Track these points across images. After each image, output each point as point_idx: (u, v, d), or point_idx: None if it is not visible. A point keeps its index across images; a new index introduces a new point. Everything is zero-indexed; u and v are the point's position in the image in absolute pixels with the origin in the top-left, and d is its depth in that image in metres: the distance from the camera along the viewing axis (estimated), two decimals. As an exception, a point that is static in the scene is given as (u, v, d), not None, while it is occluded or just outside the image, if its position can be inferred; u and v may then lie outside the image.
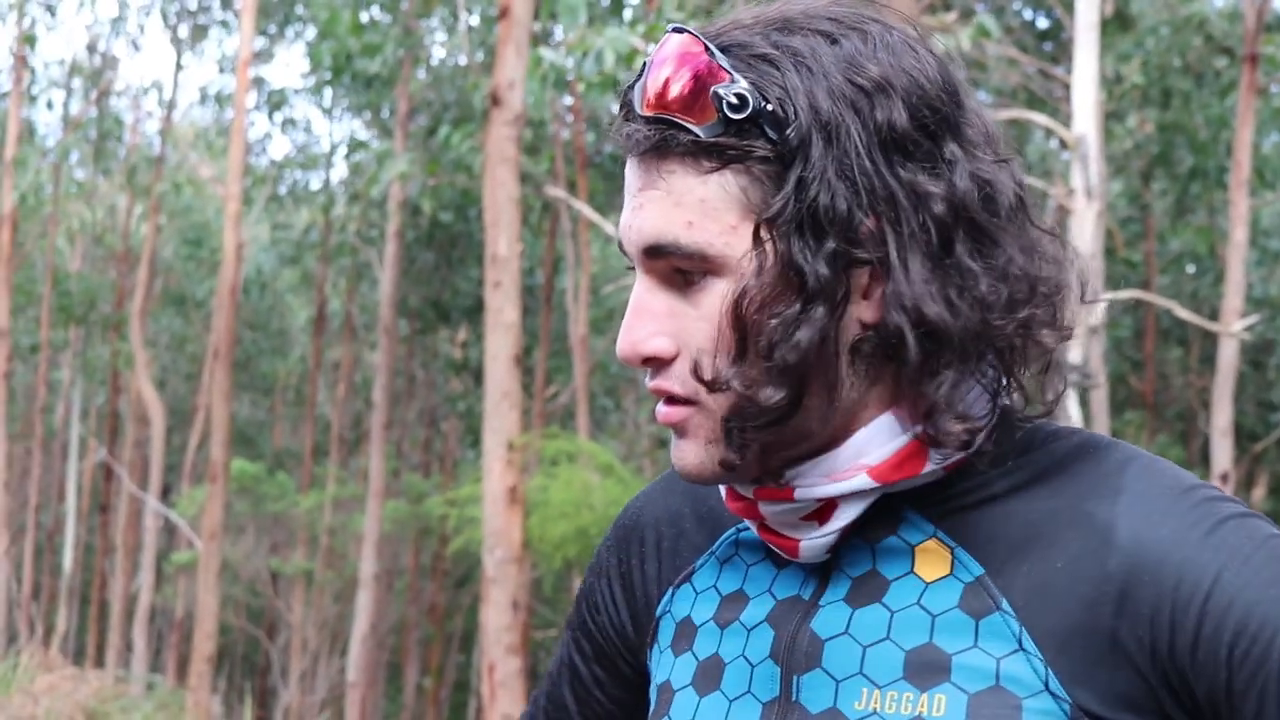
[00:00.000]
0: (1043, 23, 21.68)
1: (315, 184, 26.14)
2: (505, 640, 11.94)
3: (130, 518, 26.20)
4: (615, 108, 1.39)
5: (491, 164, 12.89)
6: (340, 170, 25.22)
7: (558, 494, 14.50)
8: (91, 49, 25.69)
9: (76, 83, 26.38)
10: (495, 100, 13.00)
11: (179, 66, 25.52)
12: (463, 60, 20.82)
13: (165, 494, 25.06)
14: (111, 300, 27.00)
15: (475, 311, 22.50)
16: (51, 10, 23.68)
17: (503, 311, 12.59)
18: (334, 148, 25.71)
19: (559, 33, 18.61)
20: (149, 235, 24.90)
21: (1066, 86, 15.73)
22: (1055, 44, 21.09)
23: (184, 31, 25.67)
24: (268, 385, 31.40)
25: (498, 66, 13.14)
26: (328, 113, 25.32)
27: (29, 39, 22.36)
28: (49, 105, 25.63)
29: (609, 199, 20.84)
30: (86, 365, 27.86)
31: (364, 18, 20.28)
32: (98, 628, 26.79)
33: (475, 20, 20.50)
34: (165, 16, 25.48)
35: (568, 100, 20.52)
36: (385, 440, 20.93)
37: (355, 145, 23.85)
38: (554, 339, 22.56)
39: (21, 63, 22.27)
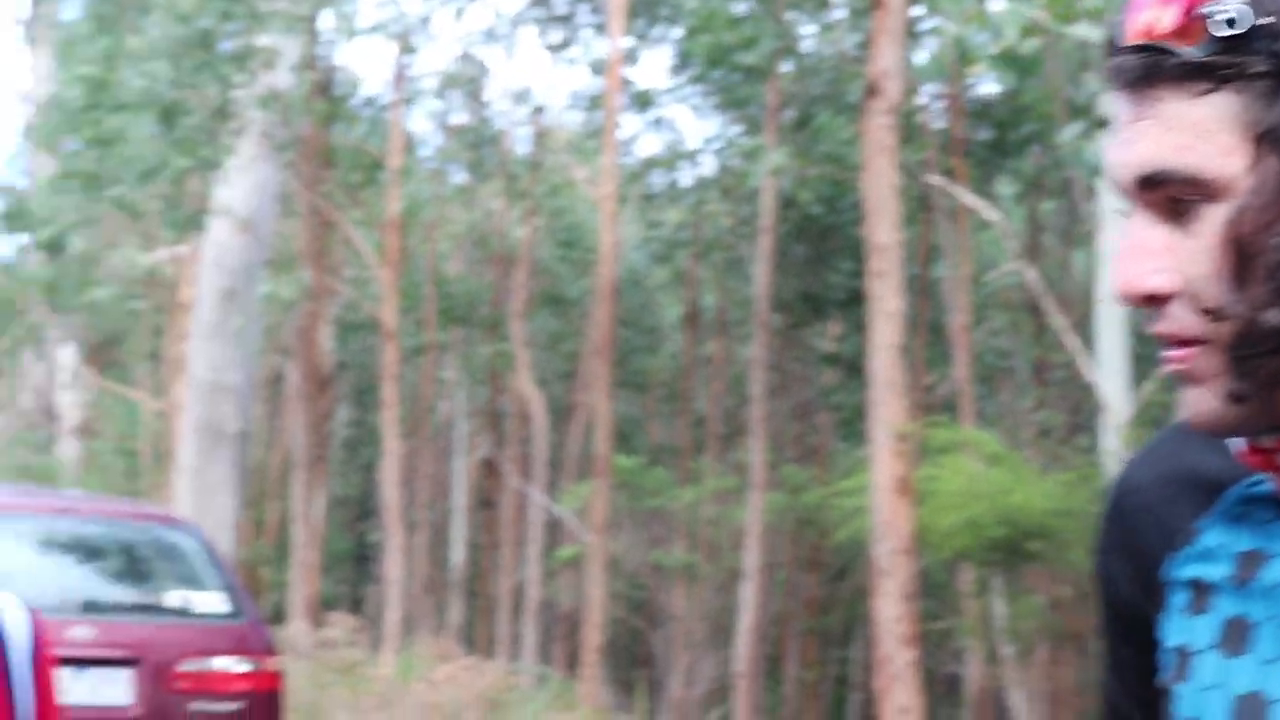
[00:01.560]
0: None
1: (685, 181, 26.53)
2: (898, 632, 11.95)
3: (515, 513, 26.92)
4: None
5: (870, 154, 12.91)
6: (709, 166, 25.52)
7: (947, 484, 14.40)
8: (466, 58, 26.49)
9: (452, 92, 27.20)
10: (872, 91, 13.01)
11: (549, 71, 26.23)
12: (834, 50, 20.82)
13: (548, 489, 25.68)
14: (490, 301, 27.76)
15: (848, 304, 22.48)
16: (426, 21, 24.51)
17: (885, 300, 12.59)
18: (703, 144, 26.01)
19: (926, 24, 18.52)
20: (526, 238, 25.59)
21: None
22: None
23: (554, 36, 26.31)
24: (640, 382, 31.88)
25: (873, 56, 13.15)
26: (696, 109, 25.61)
27: (408, 49, 23.17)
28: (428, 114, 26.57)
29: (984, 186, 20.57)
30: (469, 365, 28.68)
31: (734, 10, 20.47)
32: (486, 620, 27.60)
33: (844, 12, 20.50)
34: (536, 23, 26.13)
35: (941, 88, 20.38)
36: (764, 433, 21.09)
37: (729, 143, 24.03)
38: (928, 330, 22.39)
39: (402, 73, 23.09)
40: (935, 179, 18.08)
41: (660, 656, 26.25)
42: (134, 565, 10.13)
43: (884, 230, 12.60)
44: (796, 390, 27.01)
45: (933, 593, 20.94)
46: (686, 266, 27.48)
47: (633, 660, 27.65)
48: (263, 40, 18.30)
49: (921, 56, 20.12)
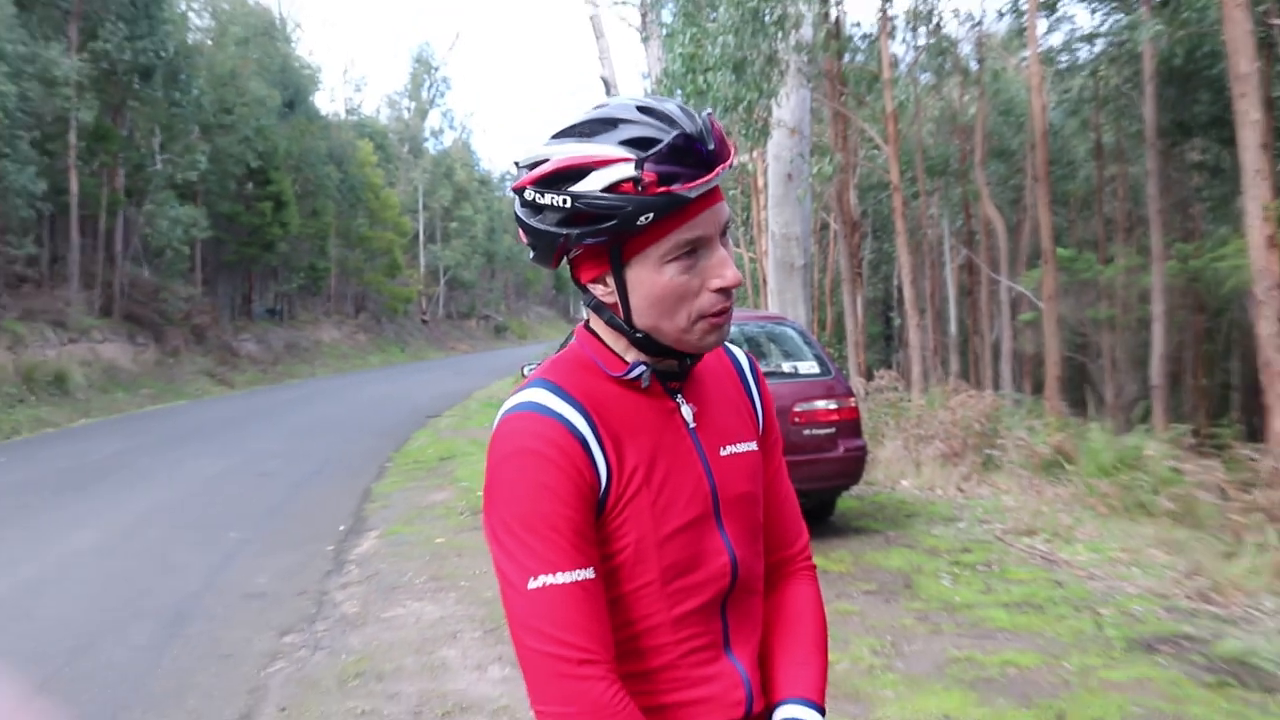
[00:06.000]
0: None
1: (1084, 56, 24.51)
2: (1275, 344, 10.87)
3: (988, 295, 26.17)
4: None
5: (1228, 8, 11.47)
6: (1100, 44, 23.40)
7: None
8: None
9: (918, 24, 26.09)
10: (1225, -32, 11.51)
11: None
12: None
13: (1009, 277, 24.73)
14: (958, 159, 26.82)
15: (1209, 126, 20.48)
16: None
17: (1249, 114, 11.23)
18: (1094, 28, 23.97)
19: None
20: (979, 113, 24.40)
21: None
22: None
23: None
24: (1065, 200, 30.17)
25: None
26: (1087, 5, 23.57)
27: None
28: (903, 40, 25.56)
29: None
30: (947, 202, 27.93)
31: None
32: (975, 367, 27.03)
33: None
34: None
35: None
36: (1159, 222, 19.55)
37: (1114, 25, 22.03)
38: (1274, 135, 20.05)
39: (885, 14, 22.18)
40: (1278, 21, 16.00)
41: (1096, 380, 24.98)
42: (763, 347, 10.35)
43: (1243, 63, 11.26)
44: (1176, 191, 24.84)
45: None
46: (1090, 116, 25.63)
47: (1078, 384, 26.42)
48: (792, 9, 17.92)
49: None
